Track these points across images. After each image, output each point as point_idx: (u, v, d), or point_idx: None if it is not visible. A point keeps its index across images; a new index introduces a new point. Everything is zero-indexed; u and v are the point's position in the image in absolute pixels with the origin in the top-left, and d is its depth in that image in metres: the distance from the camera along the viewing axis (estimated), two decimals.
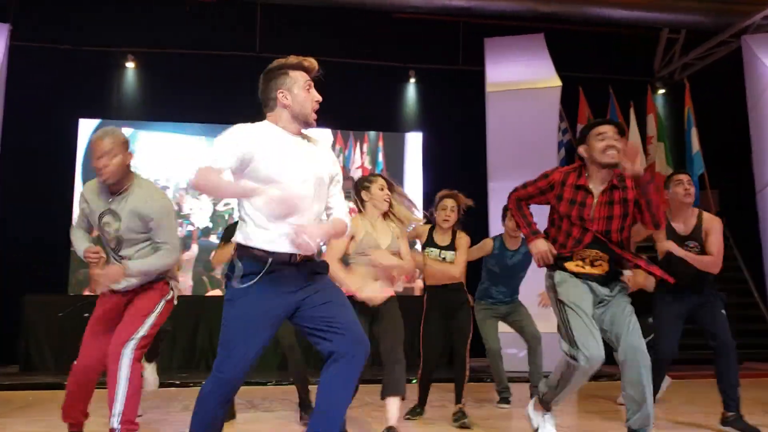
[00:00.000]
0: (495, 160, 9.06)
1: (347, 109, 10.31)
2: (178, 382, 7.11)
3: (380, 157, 10.48)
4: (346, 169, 10.32)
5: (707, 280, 4.63)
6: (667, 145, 10.46)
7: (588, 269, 3.70)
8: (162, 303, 3.78)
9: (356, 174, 10.33)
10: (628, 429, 3.66)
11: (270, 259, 2.82)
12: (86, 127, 9.80)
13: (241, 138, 2.99)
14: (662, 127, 10.54)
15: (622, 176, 3.68)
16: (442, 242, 4.98)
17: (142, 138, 10.01)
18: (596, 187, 3.70)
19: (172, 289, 3.88)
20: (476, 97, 9.58)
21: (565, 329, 3.63)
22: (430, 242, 5.01)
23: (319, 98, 3.22)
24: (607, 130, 3.66)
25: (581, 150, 3.75)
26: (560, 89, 9.05)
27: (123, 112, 10.16)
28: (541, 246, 3.76)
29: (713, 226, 4.60)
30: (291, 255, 2.85)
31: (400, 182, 10.28)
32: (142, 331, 3.64)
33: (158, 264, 3.70)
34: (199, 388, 2.88)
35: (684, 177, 4.65)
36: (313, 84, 3.26)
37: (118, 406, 3.49)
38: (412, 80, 10.86)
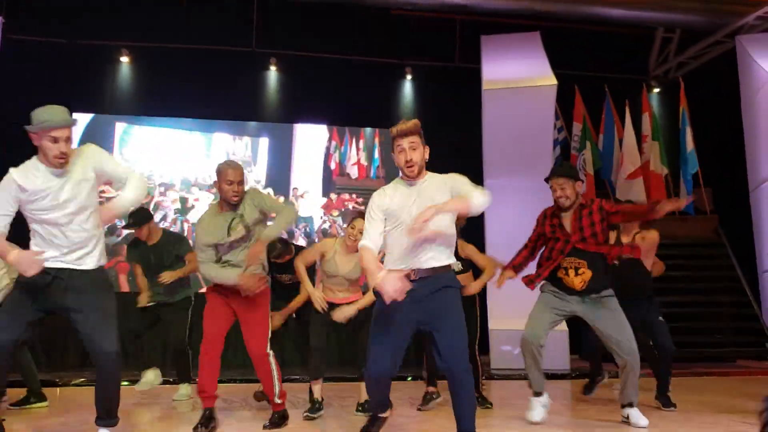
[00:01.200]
0: (491, 157, 9.06)
1: (343, 106, 10.31)
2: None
3: (376, 154, 10.47)
4: (341, 166, 10.31)
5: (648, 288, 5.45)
6: (662, 143, 10.48)
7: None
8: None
9: (352, 170, 10.32)
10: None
11: None
12: (80, 121, 9.75)
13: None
14: (657, 126, 10.56)
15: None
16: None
17: (136, 133, 9.97)
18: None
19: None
20: (472, 95, 9.56)
21: None
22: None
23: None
24: (553, 184, 4.73)
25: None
26: (556, 87, 9.05)
27: (117, 107, 10.12)
28: None
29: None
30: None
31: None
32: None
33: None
34: None
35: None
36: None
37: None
38: (409, 77, 10.85)
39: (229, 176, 4.43)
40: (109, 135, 9.85)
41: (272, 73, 10.55)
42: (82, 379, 6.90)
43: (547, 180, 4.83)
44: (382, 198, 3.69)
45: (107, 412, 3.80)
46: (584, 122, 10.51)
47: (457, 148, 10.36)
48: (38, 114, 3.51)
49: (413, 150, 3.63)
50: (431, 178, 3.73)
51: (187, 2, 10.16)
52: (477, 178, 9.12)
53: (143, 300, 5.84)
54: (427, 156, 3.71)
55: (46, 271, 3.57)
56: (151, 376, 5.93)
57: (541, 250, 4.89)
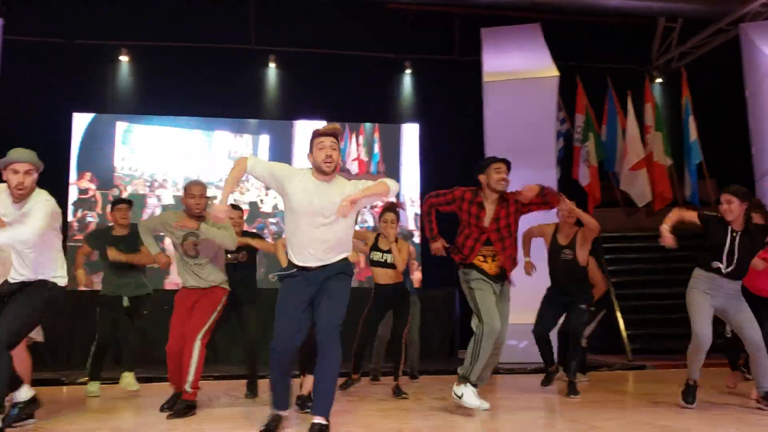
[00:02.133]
0: (493, 150, 8.95)
1: (342, 101, 10.26)
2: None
3: (376, 149, 10.42)
4: (342, 161, 10.24)
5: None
6: (665, 134, 10.42)
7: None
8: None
9: (352, 166, 10.27)
10: None
11: None
12: (80, 121, 9.73)
13: None
14: (660, 117, 10.49)
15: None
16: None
17: (136, 132, 9.94)
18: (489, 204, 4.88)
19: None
20: (473, 88, 9.51)
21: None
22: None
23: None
24: (502, 165, 4.83)
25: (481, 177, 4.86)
26: (558, 79, 8.99)
27: (117, 106, 10.10)
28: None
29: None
30: None
31: (397, 173, 10.28)
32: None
33: None
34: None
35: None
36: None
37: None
38: (408, 71, 10.79)
39: (192, 191, 4.89)
40: (110, 134, 9.82)
41: (271, 70, 10.51)
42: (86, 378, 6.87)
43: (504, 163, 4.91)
44: (290, 172, 3.98)
45: None
46: (587, 114, 10.44)
47: (458, 141, 10.33)
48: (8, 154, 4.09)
49: (333, 149, 3.91)
50: (339, 180, 4.03)
51: (185, 0, 10.12)
52: None
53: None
54: (339, 160, 4.02)
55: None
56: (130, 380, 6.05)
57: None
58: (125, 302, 5.98)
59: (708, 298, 4.95)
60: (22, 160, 4.07)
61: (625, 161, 10.31)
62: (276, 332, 3.88)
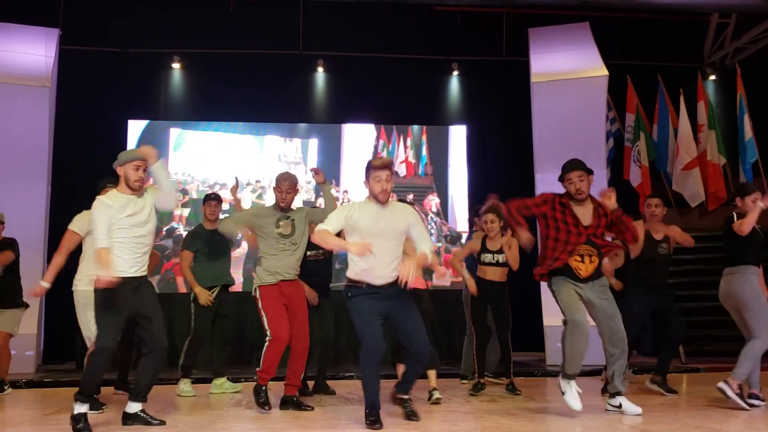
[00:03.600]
0: (541, 151, 8.95)
1: (390, 104, 10.33)
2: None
3: (424, 151, 10.44)
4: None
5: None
6: (719, 132, 10.17)
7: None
8: None
9: (400, 168, 10.32)
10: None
11: None
12: (135, 128, 9.99)
13: None
14: (713, 115, 10.26)
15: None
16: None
17: (189, 138, 10.17)
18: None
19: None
20: (521, 89, 9.47)
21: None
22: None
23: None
24: (573, 176, 4.90)
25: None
26: (607, 78, 8.89)
27: (170, 113, 10.35)
28: None
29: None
30: None
31: (444, 175, 10.30)
32: None
33: None
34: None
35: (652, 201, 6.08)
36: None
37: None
38: (455, 73, 10.78)
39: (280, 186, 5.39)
40: (164, 140, 10.05)
41: (320, 75, 10.63)
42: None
43: (560, 178, 5.01)
44: (350, 211, 4.54)
45: None
46: (637, 113, 10.27)
47: (506, 143, 10.29)
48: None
49: (388, 182, 4.49)
50: (394, 206, 4.68)
51: (235, 7, 10.32)
52: (527, 173, 9.12)
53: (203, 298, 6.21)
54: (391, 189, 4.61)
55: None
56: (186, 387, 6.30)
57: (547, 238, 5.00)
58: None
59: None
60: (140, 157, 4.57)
61: (677, 161, 10.12)
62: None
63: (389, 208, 4.54)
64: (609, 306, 4.86)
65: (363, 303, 4.45)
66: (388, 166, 4.52)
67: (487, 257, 6.16)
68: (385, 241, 4.45)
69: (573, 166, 4.95)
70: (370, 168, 4.49)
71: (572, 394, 4.77)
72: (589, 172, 4.94)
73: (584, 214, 4.91)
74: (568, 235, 4.86)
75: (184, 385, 6.26)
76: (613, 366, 4.86)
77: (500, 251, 6.10)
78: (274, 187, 5.42)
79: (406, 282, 4.30)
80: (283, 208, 5.34)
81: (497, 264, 6.15)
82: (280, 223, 5.27)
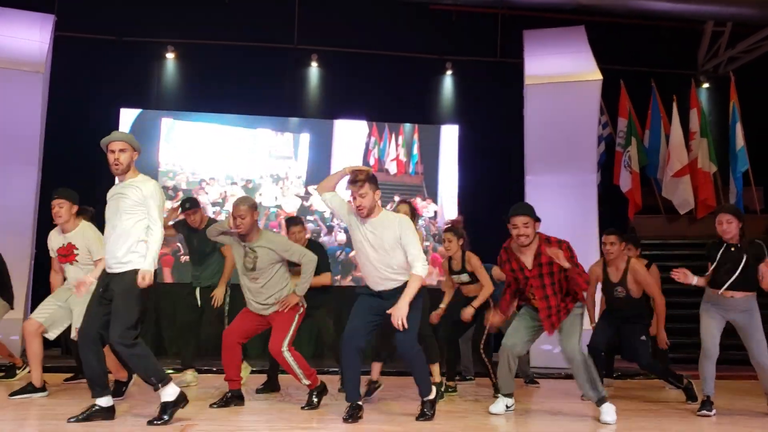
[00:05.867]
0: (532, 153, 8.95)
1: (382, 101, 10.32)
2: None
3: (415, 150, 10.43)
4: (380, 161, 10.30)
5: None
6: (711, 140, 10.19)
7: None
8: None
9: (391, 166, 10.31)
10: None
11: None
12: (127, 116, 9.94)
13: None
14: (706, 123, 10.27)
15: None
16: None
17: (180, 128, 10.12)
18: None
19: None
20: (514, 90, 9.47)
21: None
22: None
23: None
24: (518, 221, 4.74)
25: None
26: (601, 83, 8.90)
27: (163, 103, 10.30)
28: None
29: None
30: None
31: (435, 174, 10.30)
32: None
33: None
34: None
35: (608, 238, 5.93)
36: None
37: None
38: (449, 72, 10.77)
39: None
40: (155, 130, 10.01)
41: (313, 69, 10.60)
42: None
43: (506, 221, 4.87)
44: (349, 211, 4.62)
45: None
46: (630, 118, 10.29)
47: (498, 144, 10.30)
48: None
49: (362, 197, 4.43)
50: (383, 219, 4.56)
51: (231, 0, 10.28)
52: (518, 175, 9.11)
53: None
54: (377, 199, 4.54)
55: None
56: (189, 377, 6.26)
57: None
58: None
59: None
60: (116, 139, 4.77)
61: (668, 167, 10.13)
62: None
63: (377, 221, 4.53)
64: (568, 329, 4.89)
65: (360, 300, 4.69)
66: (359, 180, 4.42)
67: (454, 277, 6.12)
68: (375, 252, 4.50)
69: (519, 211, 4.81)
70: (347, 184, 4.51)
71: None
72: (536, 219, 4.81)
73: (528, 259, 4.88)
74: (517, 282, 4.99)
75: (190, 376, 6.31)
76: (577, 380, 4.91)
77: (462, 270, 6.00)
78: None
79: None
80: (242, 236, 4.98)
81: (464, 282, 6.08)
82: (246, 258, 5.02)
